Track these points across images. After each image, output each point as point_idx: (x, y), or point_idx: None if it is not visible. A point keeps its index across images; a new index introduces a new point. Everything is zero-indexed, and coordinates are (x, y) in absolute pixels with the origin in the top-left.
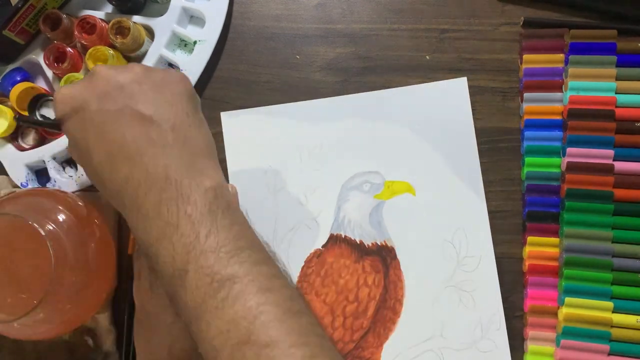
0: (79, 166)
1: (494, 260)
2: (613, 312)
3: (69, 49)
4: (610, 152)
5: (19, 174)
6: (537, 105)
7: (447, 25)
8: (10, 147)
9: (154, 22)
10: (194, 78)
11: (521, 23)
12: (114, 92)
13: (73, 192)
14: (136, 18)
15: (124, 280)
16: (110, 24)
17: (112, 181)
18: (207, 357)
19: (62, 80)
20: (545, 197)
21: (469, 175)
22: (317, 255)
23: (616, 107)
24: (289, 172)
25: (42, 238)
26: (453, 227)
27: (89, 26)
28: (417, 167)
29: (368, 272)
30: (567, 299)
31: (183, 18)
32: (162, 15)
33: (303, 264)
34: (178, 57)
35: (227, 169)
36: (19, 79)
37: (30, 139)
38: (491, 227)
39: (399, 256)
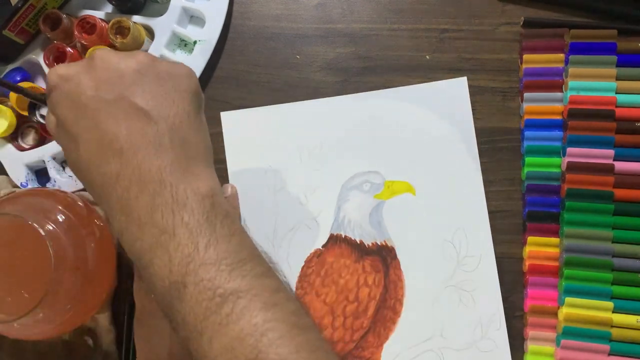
0: None
1: (494, 260)
2: (613, 312)
3: (68, 49)
4: (611, 152)
5: (19, 174)
6: (537, 105)
7: (447, 25)
8: (10, 147)
9: (154, 22)
10: None
11: (521, 23)
12: (113, 79)
13: (73, 192)
14: (136, 18)
15: (123, 280)
16: (110, 23)
17: (101, 175)
18: None
19: None
20: (545, 197)
21: (469, 175)
22: (317, 255)
23: (616, 107)
24: (289, 172)
25: (42, 238)
26: (453, 227)
27: (88, 26)
28: (417, 167)
29: (368, 272)
30: (567, 299)
31: (183, 18)
32: (162, 15)
33: (303, 263)
34: (178, 57)
35: (227, 169)
36: (19, 78)
37: (30, 139)
38: (491, 227)
39: (399, 256)
